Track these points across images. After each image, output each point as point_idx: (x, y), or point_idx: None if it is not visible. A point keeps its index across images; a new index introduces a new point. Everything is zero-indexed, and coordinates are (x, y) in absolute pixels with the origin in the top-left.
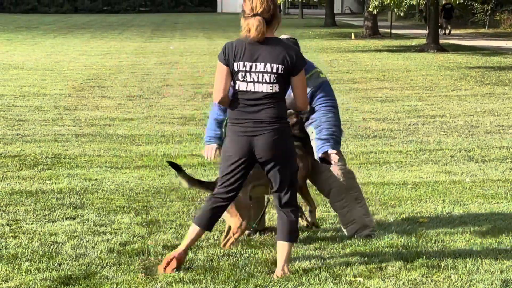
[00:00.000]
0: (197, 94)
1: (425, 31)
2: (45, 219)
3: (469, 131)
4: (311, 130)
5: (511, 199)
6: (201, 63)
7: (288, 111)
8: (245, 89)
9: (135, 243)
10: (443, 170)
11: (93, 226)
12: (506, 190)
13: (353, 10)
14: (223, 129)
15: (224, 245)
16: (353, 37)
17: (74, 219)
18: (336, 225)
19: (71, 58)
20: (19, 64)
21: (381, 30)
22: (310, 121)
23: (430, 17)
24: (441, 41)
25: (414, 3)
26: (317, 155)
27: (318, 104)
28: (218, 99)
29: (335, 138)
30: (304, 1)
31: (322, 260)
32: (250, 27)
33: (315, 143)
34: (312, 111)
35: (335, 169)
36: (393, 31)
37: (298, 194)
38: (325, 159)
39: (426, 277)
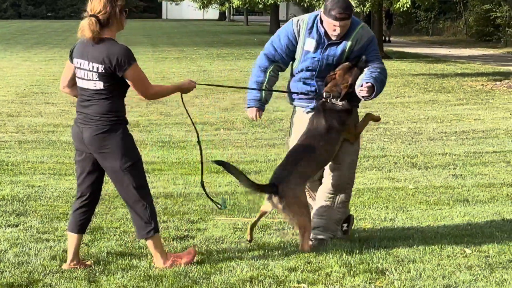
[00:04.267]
0: (142, 100)
1: None
2: None
3: (412, 138)
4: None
5: (453, 205)
6: (146, 69)
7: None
8: (79, 85)
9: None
10: (387, 176)
11: (36, 233)
12: (449, 196)
13: None
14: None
15: (303, 248)
16: None
17: (16, 226)
18: (281, 231)
19: (14, 64)
20: None
21: None
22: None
23: (373, 24)
24: (385, 48)
25: (358, 10)
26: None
27: (371, 56)
28: (61, 89)
29: (378, 83)
30: (249, 8)
31: (266, 266)
32: (83, 27)
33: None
34: (366, 62)
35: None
36: None
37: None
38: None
39: (370, 283)
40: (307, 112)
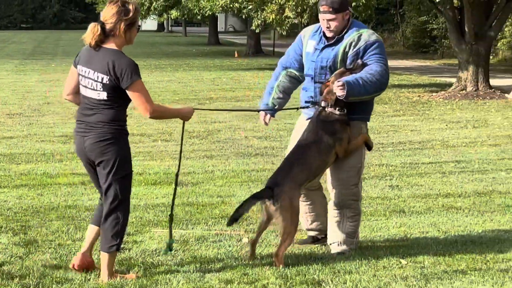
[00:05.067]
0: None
1: None
2: None
3: None
4: None
5: (390, 216)
6: None
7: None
8: (83, 93)
9: (12, 264)
10: (324, 187)
11: None
12: (385, 207)
13: (237, 28)
14: (275, 94)
15: (277, 256)
16: (236, 55)
17: None
18: (217, 243)
19: None
20: None
21: (264, 48)
22: None
23: None
24: None
25: (296, 22)
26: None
27: (370, 60)
28: (64, 96)
29: (357, 81)
30: (187, 19)
31: (202, 278)
32: (87, 31)
33: None
34: (363, 65)
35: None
36: (276, 49)
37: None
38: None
39: None
40: (307, 119)
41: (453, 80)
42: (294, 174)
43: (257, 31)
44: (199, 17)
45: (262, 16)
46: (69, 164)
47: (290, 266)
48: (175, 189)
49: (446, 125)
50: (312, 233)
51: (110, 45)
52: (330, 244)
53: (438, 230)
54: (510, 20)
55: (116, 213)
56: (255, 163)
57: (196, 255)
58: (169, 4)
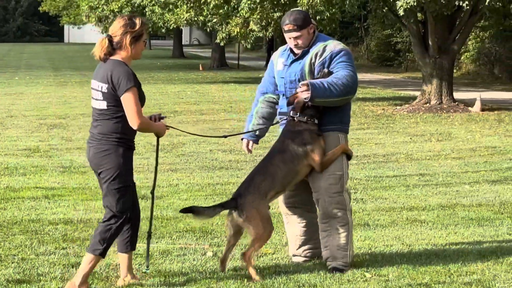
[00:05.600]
0: (43, 125)
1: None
2: None
3: None
4: None
5: (354, 229)
6: (47, 93)
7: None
8: (91, 105)
9: None
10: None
11: None
12: None
13: (201, 41)
14: (255, 121)
15: (244, 256)
16: (201, 68)
17: None
18: (182, 257)
19: None
20: None
21: (229, 61)
22: None
23: (277, 48)
24: None
25: (261, 35)
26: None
27: (337, 68)
28: None
29: (322, 83)
30: (152, 32)
31: None
32: (96, 45)
33: None
34: (329, 73)
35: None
36: (241, 62)
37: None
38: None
39: None
40: None
41: (417, 93)
42: (255, 183)
43: (222, 44)
44: (163, 30)
45: (227, 30)
46: (33, 177)
47: (255, 280)
48: (152, 206)
49: (410, 138)
50: (298, 259)
51: (116, 57)
52: (325, 259)
53: (403, 243)
54: (473, 34)
55: (109, 222)
56: (219, 176)
57: (160, 269)
58: None
